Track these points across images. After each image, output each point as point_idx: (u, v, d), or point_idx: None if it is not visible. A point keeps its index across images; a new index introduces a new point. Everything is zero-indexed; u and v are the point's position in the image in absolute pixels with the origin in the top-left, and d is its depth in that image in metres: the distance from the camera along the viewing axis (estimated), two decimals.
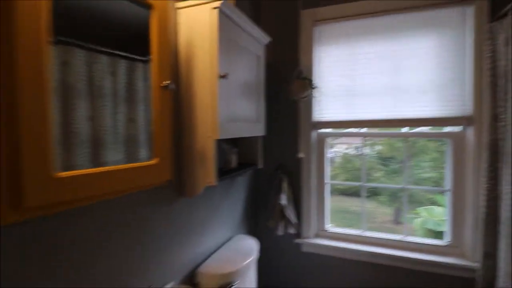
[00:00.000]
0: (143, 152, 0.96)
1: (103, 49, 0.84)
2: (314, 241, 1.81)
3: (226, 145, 1.47)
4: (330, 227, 1.89)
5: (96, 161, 0.81)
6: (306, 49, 1.78)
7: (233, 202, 1.68)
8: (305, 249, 1.85)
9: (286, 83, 1.75)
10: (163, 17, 0.99)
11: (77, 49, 0.76)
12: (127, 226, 0.97)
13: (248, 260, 1.40)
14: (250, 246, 1.55)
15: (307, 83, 1.67)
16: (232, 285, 1.27)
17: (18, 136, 0.62)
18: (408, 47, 1.61)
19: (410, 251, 1.65)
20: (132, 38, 0.95)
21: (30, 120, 0.64)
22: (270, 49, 1.74)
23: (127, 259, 0.97)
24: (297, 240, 1.85)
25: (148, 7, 0.96)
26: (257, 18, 1.86)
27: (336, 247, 1.76)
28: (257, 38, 1.46)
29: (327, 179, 1.87)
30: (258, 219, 1.97)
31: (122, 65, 0.89)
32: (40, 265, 0.72)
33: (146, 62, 0.97)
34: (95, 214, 0.86)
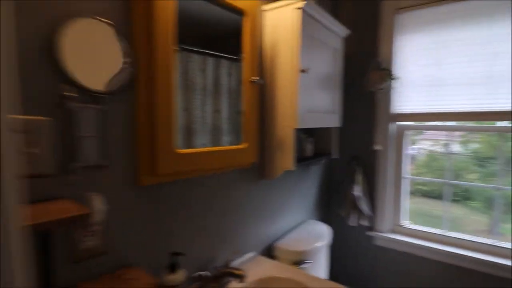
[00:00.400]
0: (227, 138, 1.13)
1: (198, 49, 0.99)
2: (388, 236, 1.79)
3: (303, 134, 1.58)
4: (407, 223, 1.83)
5: (192, 143, 1.00)
6: (386, 39, 1.75)
7: (308, 188, 1.79)
8: (378, 242, 1.84)
9: (364, 74, 1.75)
10: (253, 21, 1.15)
11: (181, 51, 0.94)
12: (221, 197, 1.17)
13: (321, 243, 1.50)
14: (322, 231, 1.64)
15: (385, 74, 1.65)
16: (305, 262, 1.39)
17: (155, 123, 0.86)
18: (507, 31, 1.44)
19: (500, 257, 1.50)
20: (224, 39, 1.12)
21: (163, 110, 0.86)
22: (348, 40, 1.76)
23: (219, 224, 1.18)
24: (370, 233, 1.85)
25: (241, 13, 1.13)
26: (335, 9, 1.89)
27: (413, 244, 1.71)
28: (335, 32, 1.52)
29: (406, 174, 1.81)
30: (331, 207, 2.03)
31: (210, 62, 1.06)
32: (165, 213, 0.97)
33: (233, 60, 1.12)
34: (199, 185, 1.08)
